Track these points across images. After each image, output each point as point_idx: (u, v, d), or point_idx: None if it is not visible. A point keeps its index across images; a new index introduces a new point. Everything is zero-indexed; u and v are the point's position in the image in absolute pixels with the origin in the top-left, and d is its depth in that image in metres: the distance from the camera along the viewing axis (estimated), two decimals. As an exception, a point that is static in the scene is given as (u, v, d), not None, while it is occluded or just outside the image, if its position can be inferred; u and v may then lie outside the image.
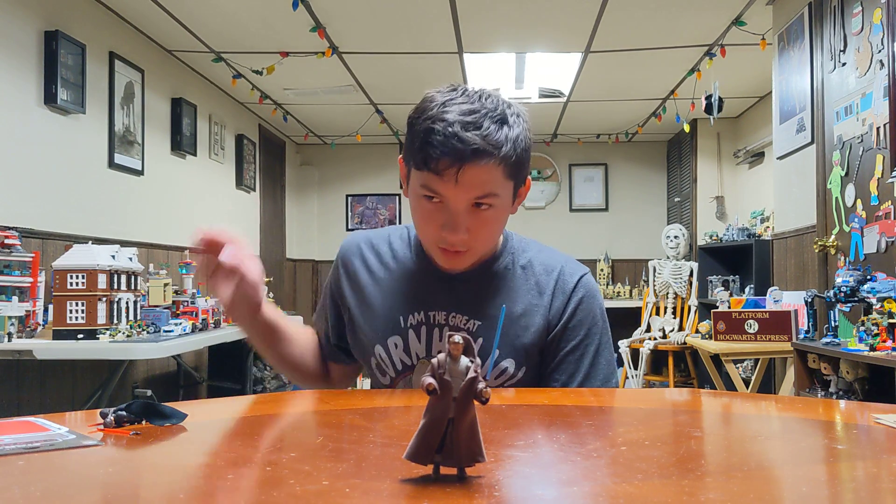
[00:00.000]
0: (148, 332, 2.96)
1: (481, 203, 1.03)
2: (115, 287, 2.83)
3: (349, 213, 7.27)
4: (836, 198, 2.99)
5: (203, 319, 3.32)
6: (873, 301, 2.37)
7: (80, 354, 2.69)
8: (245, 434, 0.83)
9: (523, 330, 1.14)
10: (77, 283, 2.71)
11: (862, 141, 2.77)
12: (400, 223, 7.19)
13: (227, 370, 4.38)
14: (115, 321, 2.82)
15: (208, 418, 0.90)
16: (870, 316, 2.37)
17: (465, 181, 1.00)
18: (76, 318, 2.70)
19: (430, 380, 0.55)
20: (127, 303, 2.91)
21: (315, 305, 6.98)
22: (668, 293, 5.66)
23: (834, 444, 0.77)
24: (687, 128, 5.44)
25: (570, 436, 0.78)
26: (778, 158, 3.67)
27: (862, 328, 2.38)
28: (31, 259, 2.75)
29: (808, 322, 2.81)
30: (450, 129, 0.98)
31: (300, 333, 1.28)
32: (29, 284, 2.75)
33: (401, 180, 1.14)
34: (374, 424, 0.84)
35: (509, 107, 1.04)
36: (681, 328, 5.50)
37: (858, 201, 2.80)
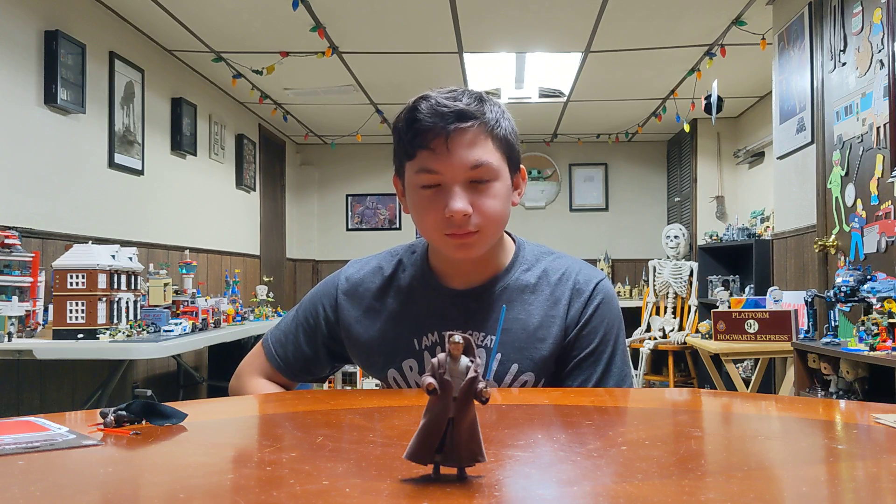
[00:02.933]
0: (148, 332, 2.96)
1: (479, 179, 1.05)
2: (115, 287, 2.83)
3: (349, 213, 7.27)
4: (836, 198, 2.98)
5: (203, 319, 3.31)
6: (873, 301, 2.37)
7: (80, 354, 2.68)
8: (245, 434, 0.83)
9: (541, 342, 1.13)
10: (77, 283, 2.71)
11: (862, 141, 2.77)
12: (400, 223, 7.21)
13: (227, 370, 4.35)
14: (115, 321, 2.81)
15: (208, 418, 0.90)
16: (870, 316, 2.37)
17: (455, 148, 1.03)
18: (76, 317, 2.70)
19: (430, 380, 0.55)
20: (127, 303, 2.90)
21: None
22: (668, 293, 5.66)
23: (834, 444, 0.77)
24: (687, 128, 5.44)
25: (571, 436, 0.78)
26: (778, 158, 3.67)
27: (862, 328, 2.38)
28: (31, 259, 2.75)
29: (808, 322, 2.81)
30: (433, 102, 1.04)
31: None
32: (29, 284, 2.75)
33: (399, 199, 1.17)
34: (374, 424, 0.84)
35: (485, 97, 1.11)
36: (681, 328, 5.50)
37: (858, 201, 2.80)
